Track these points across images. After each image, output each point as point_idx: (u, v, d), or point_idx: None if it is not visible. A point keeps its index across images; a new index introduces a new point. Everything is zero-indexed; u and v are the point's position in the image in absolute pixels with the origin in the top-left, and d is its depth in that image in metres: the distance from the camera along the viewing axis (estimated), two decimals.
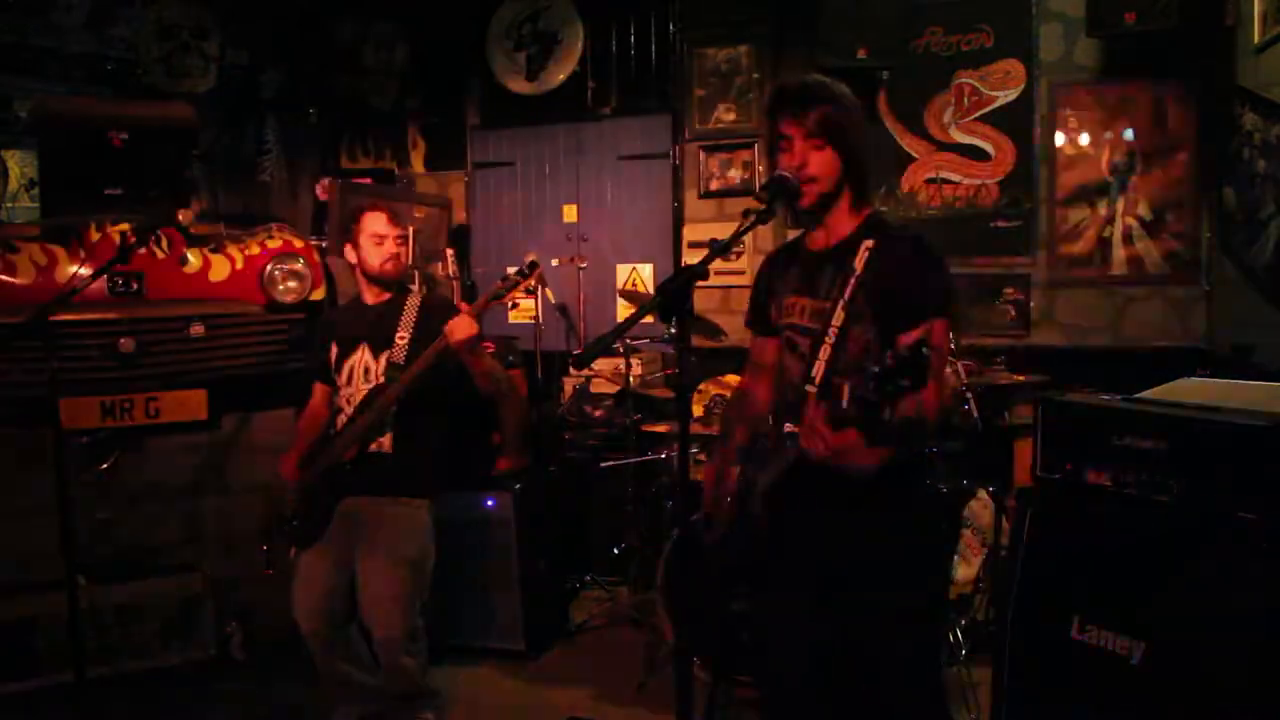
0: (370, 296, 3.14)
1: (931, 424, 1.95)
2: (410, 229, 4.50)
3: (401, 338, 3.01)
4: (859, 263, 2.00)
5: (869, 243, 2.02)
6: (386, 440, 3.00)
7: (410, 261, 4.17)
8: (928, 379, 1.62)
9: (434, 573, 3.11)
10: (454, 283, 4.63)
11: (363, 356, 3.05)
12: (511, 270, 2.96)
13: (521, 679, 3.71)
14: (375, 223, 3.04)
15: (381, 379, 3.00)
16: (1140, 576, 2.23)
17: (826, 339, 2.00)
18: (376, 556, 2.94)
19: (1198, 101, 4.23)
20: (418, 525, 3.03)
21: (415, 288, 3.41)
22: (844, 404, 1.74)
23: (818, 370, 2.00)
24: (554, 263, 5.15)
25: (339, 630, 3.05)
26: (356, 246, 3.08)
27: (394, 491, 3.00)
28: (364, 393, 3.02)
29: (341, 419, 3.06)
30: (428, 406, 3.04)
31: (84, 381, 3.45)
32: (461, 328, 2.85)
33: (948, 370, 3.38)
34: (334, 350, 3.11)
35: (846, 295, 1.99)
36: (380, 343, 3.04)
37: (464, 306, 2.96)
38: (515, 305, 4.96)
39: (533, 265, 2.94)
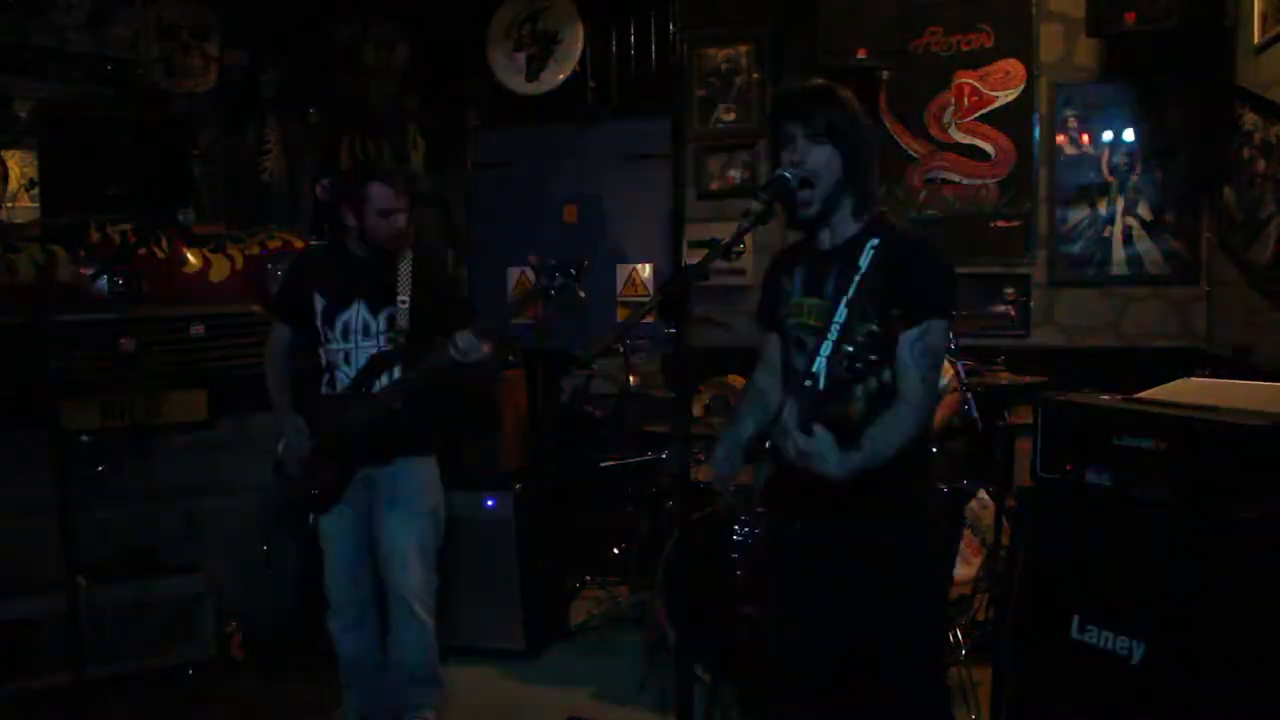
0: (360, 250, 3.02)
1: (916, 426, 1.95)
2: (410, 229, 4.48)
3: (403, 301, 2.99)
4: (864, 261, 2.01)
5: (874, 241, 2.03)
6: (397, 408, 2.99)
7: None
8: (895, 353, 1.63)
9: (440, 551, 3.15)
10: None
11: (359, 312, 3.00)
12: (533, 268, 2.88)
13: (521, 679, 3.71)
14: (382, 196, 2.93)
15: (382, 339, 2.98)
16: (1140, 576, 2.23)
17: (829, 336, 2.00)
18: (394, 512, 3.03)
19: (1198, 101, 4.23)
20: (428, 478, 3.11)
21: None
22: (820, 387, 1.76)
23: (819, 366, 2.00)
24: (553, 262, 5.13)
25: (363, 592, 3.11)
26: (360, 216, 2.96)
27: (403, 450, 3.04)
28: (366, 351, 2.99)
29: (340, 378, 3.02)
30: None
31: (84, 381, 3.45)
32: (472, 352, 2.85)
33: (949, 372, 3.38)
34: (318, 300, 3.03)
35: (850, 293, 2.00)
36: (378, 299, 2.99)
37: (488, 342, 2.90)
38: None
39: (579, 267, 2.83)
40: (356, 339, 3.01)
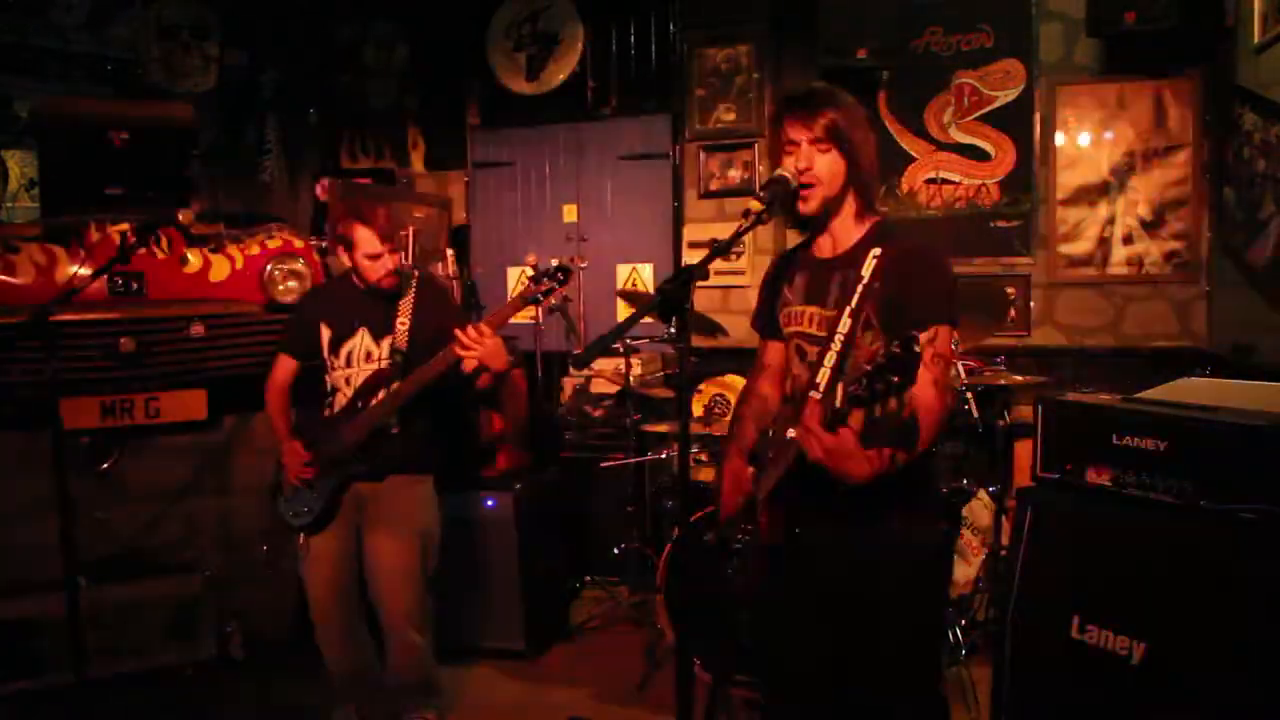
0: (363, 283, 3.05)
1: (931, 430, 1.95)
2: (409, 229, 4.49)
3: (403, 323, 3.01)
4: (866, 270, 2.01)
5: (876, 250, 2.03)
6: (391, 420, 2.99)
7: (409, 263, 4.16)
8: (916, 376, 1.62)
9: (434, 572, 3.13)
10: (454, 283, 4.63)
11: (363, 340, 3.03)
12: (530, 269, 2.91)
13: (521, 679, 3.71)
14: (368, 242, 2.94)
15: (384, 362, 3.00)
16: (1140, 576, 2.23)
17: (833, 347, 2.00)
18: (385, 531, 3.00)
19: (1198, 101, 4.23)
20: (424, 498, 3.09)
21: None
22: (838, 403, 1.75)
23: (823, 378, 2.00)
24: (554, 262, 5.13)
25: (351, 614, 3.10)
26: (351, 257, 3.00)
27: (400, 469, 3.03)
28: (365, 374, 3.01)
29: (340, 399, 3.04)
30: (429, 387, 3.05)
31: (84, 381, 3.45)
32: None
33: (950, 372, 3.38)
34: (325, 331, 3.07)
35: (854, 304, 1.99)
36: (380, 327, 3.02)
37: (485, 319, 2.89)
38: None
39: (564, 270, 2.87)
40: (358, 364, 3.04)
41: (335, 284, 3.30)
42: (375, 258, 2.96)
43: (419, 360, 2.94)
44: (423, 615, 3.08)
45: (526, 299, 2.89)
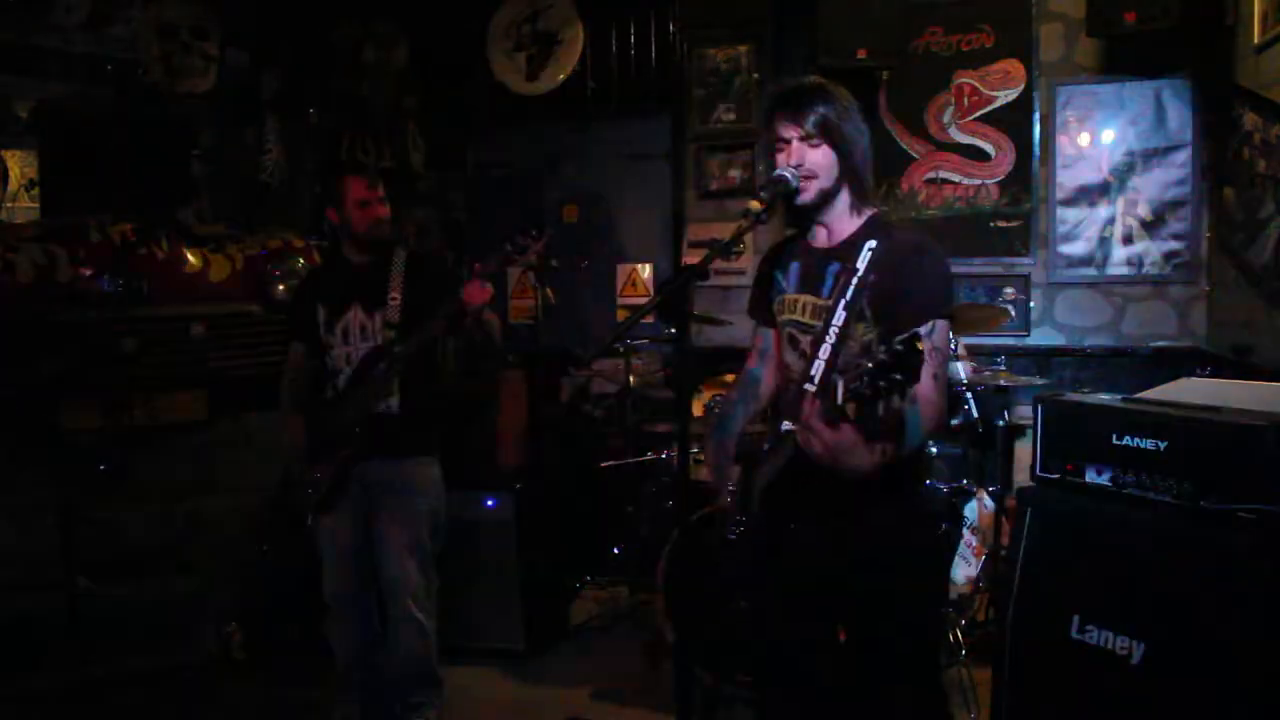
0: (355, 255, 3.12)
1: (930, 423, 1.95)
2: (410, 228, 4.50)
3: (394, 298, 3.04)
4: (861, 263, 2.01)
5: (872, 243, 2.03)
6: (394, 401, 3.03)
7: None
8: (920, 375, 1.62)
9: (433, 572, 3.15)
10: None
11: (356, 315, 3.06)
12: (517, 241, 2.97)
13: (521, 679, 3.71)
14: (357, 188, 3.03)
15: (379, 337, 3.03)
16: (1140, 576, 2.23)
17: (827, 338, 2.00)
18: (393, 512, 3.05)
19: (1198, 101, 4.23)
20: (428, 480, 3.13)
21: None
22: (838, 400, 1.75)
23: (818, 369, 2.00)
24: (554, 263, 5.14)
25: (363, 599, 3.13)
26: (341, 212, 3.06)
27: (403, 450, 3.06)
28: (364, 351, 3.03)
29: (342, 380, 3.06)
30: (429, 366, 3.12)
31: (84, 381, 3.45)
32: (478, 293, 2.90)
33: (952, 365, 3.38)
34: (321, 311, 3.10)
35: (848, 295, 2.00)
36: (373, 301, 3.05)
37: (476, 267, 2.95)
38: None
39: (540, 228, 2.95)
40: (355, 341, 3.06)
41: (327, 264, 3.35)
42: (365, 204, 3.02)
43: (412, 331, 2.98)
44: (428, 594, 3.11)
45: (504, 259, 2.96)
